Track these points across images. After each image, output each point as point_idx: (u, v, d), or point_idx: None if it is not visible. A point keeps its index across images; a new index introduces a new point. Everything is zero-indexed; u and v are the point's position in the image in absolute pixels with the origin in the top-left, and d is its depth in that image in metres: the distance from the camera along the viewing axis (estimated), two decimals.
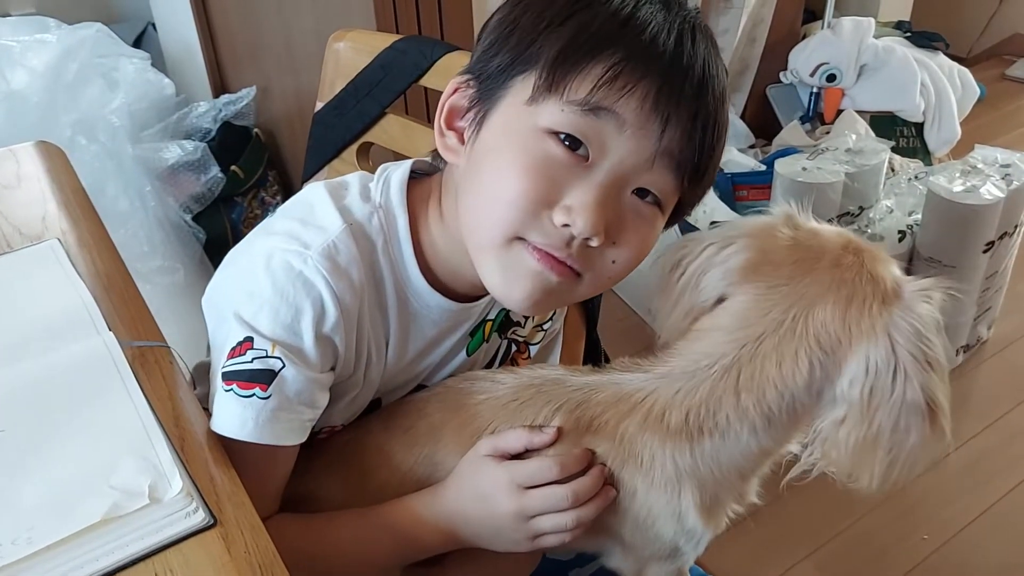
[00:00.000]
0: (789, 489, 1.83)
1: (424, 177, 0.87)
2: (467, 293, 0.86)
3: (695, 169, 0.75)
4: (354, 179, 0.86)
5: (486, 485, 0.81)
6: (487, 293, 0.87)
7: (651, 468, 0.79)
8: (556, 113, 0.72)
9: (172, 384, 0.77)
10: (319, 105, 1.24)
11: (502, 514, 0.81)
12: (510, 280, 0.77)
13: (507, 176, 0.74)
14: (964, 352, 2.25)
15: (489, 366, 0.98)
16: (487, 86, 0.77)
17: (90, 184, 2.02)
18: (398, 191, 0.84)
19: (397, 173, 0.86)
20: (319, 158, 1.25)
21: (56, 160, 1.17)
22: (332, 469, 0.88)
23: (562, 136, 0.72)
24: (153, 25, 2.83)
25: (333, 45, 1.22)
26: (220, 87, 2.56)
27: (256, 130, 2.40)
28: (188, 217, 2.15)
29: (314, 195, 0.84)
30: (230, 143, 2.31)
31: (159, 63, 2.58)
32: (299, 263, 0.76)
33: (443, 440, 0.85)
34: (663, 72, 0.71)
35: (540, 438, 0.81)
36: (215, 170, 2.21)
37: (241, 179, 2.31)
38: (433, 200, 0.85)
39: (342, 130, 1.21)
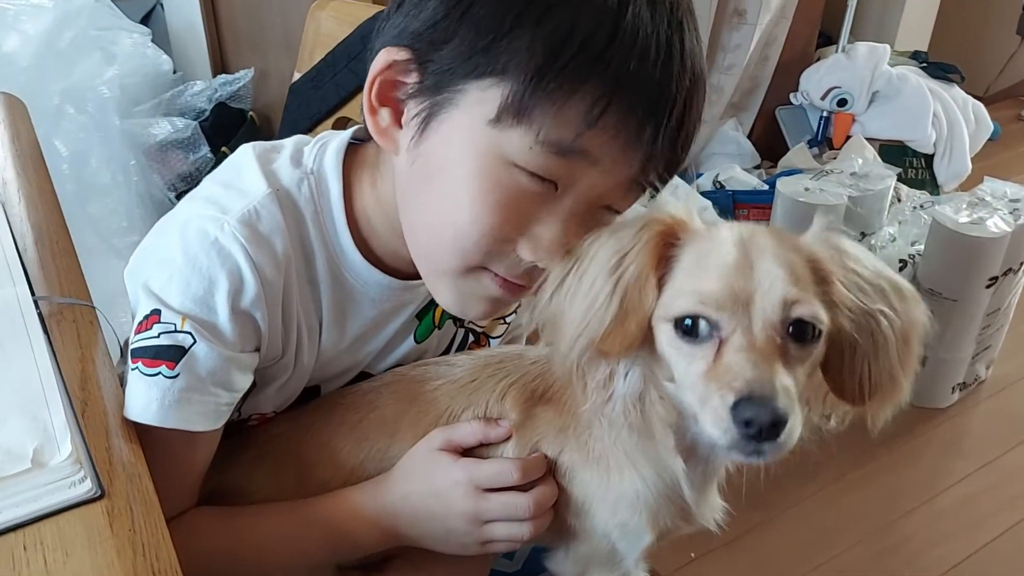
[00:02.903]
0: (767, 520, 1.77)
1: (363, 144, 0.79)
2: (408, 271, 0.79)
3: (666, 181, 0.71)
4: (289, 142, 0.80)
5: (441, 482, 0.75)
6: None
7: (588, 439, 0.75)
8: (524, 149, 0.65)
9: (88, 345, 0.70)
10: (296, 75, 1.19)
11: (456, 514, 0.75)
12: (466, 302, 0.74)
13: (472, 207, 0.67)
14: (960, 390, 2.18)
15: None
16: (435, 79, 0.68)
17: (73, 154, 1.99)
18: (334, 157, 0.77)
19: (336, 139, 0.79)
20: (293, 132, 1.19)
21: (16, 112, 1.11)
22: (263, 463, 0.82)
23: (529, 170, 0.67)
24: (161, 4, 2.80)
25: (315, 13, 1.17)
26: (220, 68, 2.52)
27: (251, 113, 2.36)
28: (172, 195, 2.10)
29: (242, 157, 0.77)
30: (223, 124, 2.27)
31: (164, 41, 2.54)
32: (215, 229, 0.69)
33: (399, 433, 0.79)
34: (650, 105, 0.65)
35: (496, 432, 0.76)
36: (205, 150, 2.16)
37: None
38: (367, 170, 0.78)
39: (318, 103, 1.15)
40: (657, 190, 0.72)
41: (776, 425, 0.58)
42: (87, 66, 2.13)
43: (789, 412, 0.59)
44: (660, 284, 0.65)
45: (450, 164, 0.68)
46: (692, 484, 0.74)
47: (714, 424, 0.60)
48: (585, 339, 0.65)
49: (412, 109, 0.70)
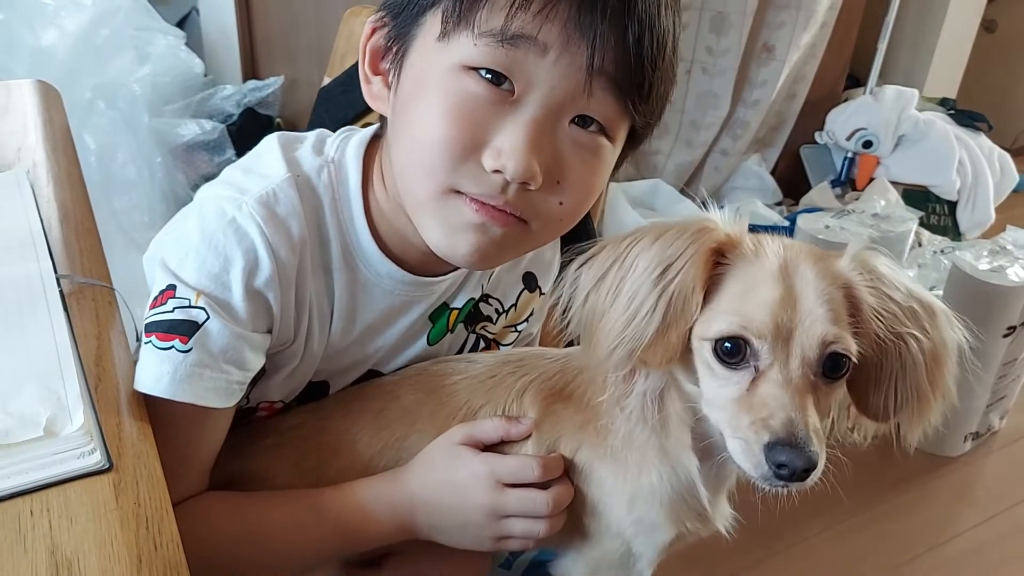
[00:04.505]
0: (771, 556, 1.74)
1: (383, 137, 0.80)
2: (420, 265, 0.80)
3: (638, 87, 0.68)
4: (313, 134, 0.81)
5: (461, 474, 0.75)
6: (444, 271, 0.81)
7: (605, 435, 0.75)
8: (469, 48, 0.66)
9: (105, 324, 0.71)
10: (326, 80, 1.20)
11: (474, 507, 0.75)
12: (452, 236, 0.71)
13: (429, 122, 0.68)
14: (973, 439, 2.15)
15: None
16: (401, 22, 0.72)
17: (101, 148, 2.02)
18: (356, 148, 0.78)
19: (361, 132, 0.80)
20: None
21: (50, 98, 1.14)
22: (282, 451, 0.82)
23: (482, 72, 0.66)
24: (197, 10, 2.85)
25: (349, 20, 1.19)
26: (251, 74, 2.56)
27: (278, 120, 2.39)
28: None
29: (266, 145, 0.79)
30: (250, 129, 2.29)
31: (197, 46, 2.58)
32: (232, 209, 0.70)
33: (418, 423, 0.79)
34: None
35: (517, 429, 0.76)
36: (230, 152, 2.19)
37: None
38: (379, 157, 0.79)
39: (345, 107, 1.16)
40: (636, 110, 0.70)
41: (807, 470, 0.61)
42: (121, 64, 2.17)
43: (819, 456, 0.61)
44: (704, 300, 0.66)
45: (414, 92, 0.70)
46: (707, 484, 0.75)
47: (745, 457, 0.63)
48: (625, 348, 0.65)
49: (390, 63, 0.74)
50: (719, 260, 0.67)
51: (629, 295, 0.65)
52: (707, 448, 0.73)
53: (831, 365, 0.64)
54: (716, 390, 0.66)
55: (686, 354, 0.68)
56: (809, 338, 0.63)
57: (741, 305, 0.65)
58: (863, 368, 0.67)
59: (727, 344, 0.64)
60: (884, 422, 0.69)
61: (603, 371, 0.71)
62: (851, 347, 0.64)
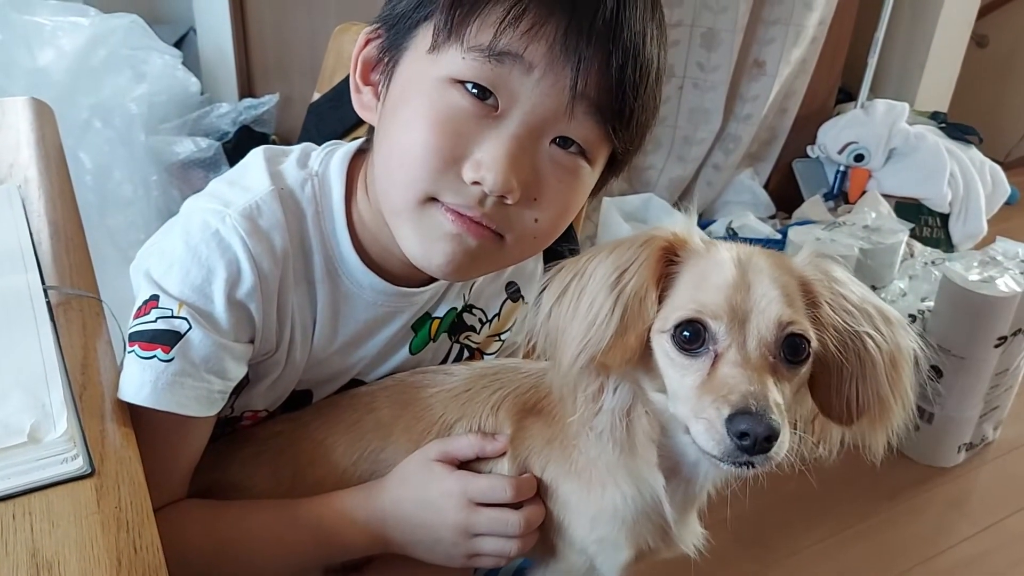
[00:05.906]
0: (763, 569, 1.73)
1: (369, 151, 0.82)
2: (402, 276, 0.81)
3: (619, 114, 0.70)
4: (298, 148, 0.83)
5: (435, 492, 0.76)
6: (426, 282, 0.82)
7: (572, 452, 0.76)
8: (458, 61, 0.68)
9: (92, 335, 0.72)
10: (316, 95, 1.22)
11: (446, 525, 0.76)
12: (427, 245, 0.72)
13: (413, 131, 0.69)
14: (967, 450, 2.15)
15: None
16: (393, 35, 0.74)
17: (97, 167, 2.03)
18: (339, 162, 0.80)
19: (345, 146, 0.82)
20: None
21: (43, 116, 1.15)
22: (261, 460, 0.83)
23: (468, 86, 0.68)
24: (194, 30, 2.87)
25: (338, 37, 1.20)
26: (247, 92, 2.58)
27: (274, 137, 2.41)
28: None
29: (251, 159, 0.81)
30: (246, 146, 2.28)
31: (195, 65, 2.61)
32: (216, 221, 0.72)
33: (393, 436, 0.80)
34: (570, 8, 0.66)
35: (493, 446, 0.77)
36: (226, 170, 2.19)
37: None
38: (363, 169, 0.80)
39: (335, 123, 1.18)
40: (616, 136, 0.71)
41: (769, 439, 0.61)
42: (117, 83, 2.18)
43: (781, 426, 0.61)
44: (660, 299, 0.68)
45: (401, 102, 0.72)
46: (673, 502, 0.75)
47: (708, 435, 0.63)
48: (587, 354, 0.66)
49: (380, 73, 0.76)
50: (672, 259, 0.68)
51: (588, 302, 0.67)
52: (674, 467, 0.74)
53: (790, 349, 0.65)
54: (679, 381, 0.67)
55: (650, 360, 0.69)
56: (765, 319, 0.64)
57: (696, 293, 0.66)
58: (824, 369, 0.68)
59: (685, 332, 0.65)
60: (848, 425, 0.70)
61: (571, 388, 0.72)
62: (808, 330, 0.66)
